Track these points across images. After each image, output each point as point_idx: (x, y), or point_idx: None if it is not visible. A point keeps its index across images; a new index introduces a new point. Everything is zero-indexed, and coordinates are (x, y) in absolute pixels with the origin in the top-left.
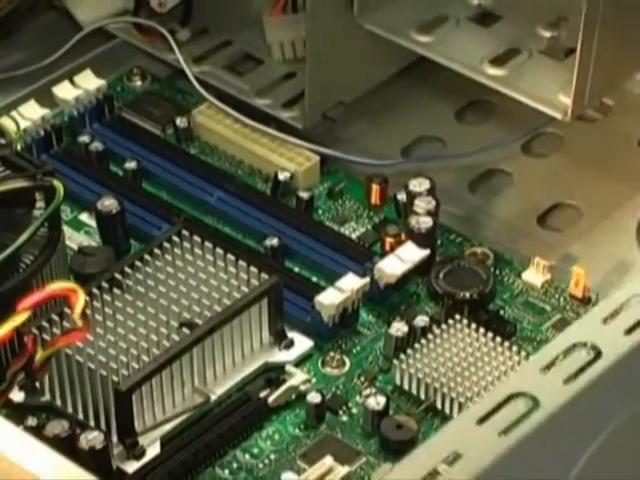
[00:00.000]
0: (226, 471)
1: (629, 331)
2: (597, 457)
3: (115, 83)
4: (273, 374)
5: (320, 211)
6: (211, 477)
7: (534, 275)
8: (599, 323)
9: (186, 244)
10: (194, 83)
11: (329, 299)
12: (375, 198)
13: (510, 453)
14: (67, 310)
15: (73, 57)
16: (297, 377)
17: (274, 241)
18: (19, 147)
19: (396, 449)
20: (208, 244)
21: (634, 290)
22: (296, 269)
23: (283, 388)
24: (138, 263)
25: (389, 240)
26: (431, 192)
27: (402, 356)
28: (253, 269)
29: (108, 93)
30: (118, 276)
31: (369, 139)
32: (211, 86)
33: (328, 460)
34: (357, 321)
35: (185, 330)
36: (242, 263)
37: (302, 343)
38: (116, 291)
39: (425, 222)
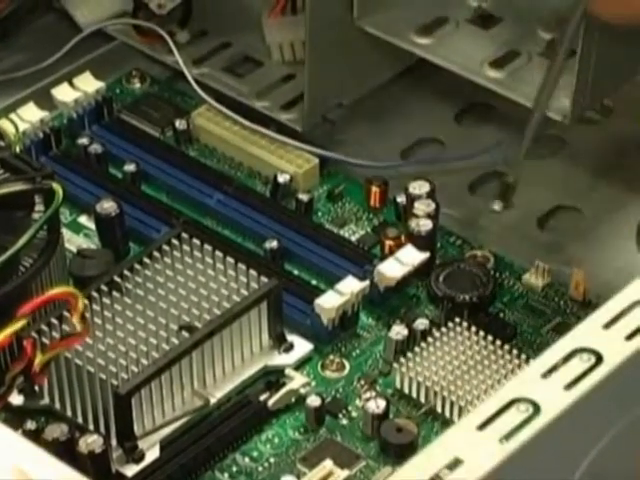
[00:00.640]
0: (226, 475)
1: (630, 336)
2: (598, 463)
3: (114, 85)
4: (273, 377)
5: (319, 213)
6: None
7: (534, 278)
8: (600, 328)
9: (185, 247)
10: (193, 85)
11: (329, 302)
12: (375, 200)
13: (511, 459)
14: (66, 314)
15: (72, 59)
16: (297, 380)
17: (273, 244)
18: (18, 149)
19: (396, 453)
20: (207, 247)
21: (635, 295)
22: (295, 272)
23: (283, 391)
24: (137, 266)
25: (389, 243)
26: (431, 195)
27: (402, 359)
28: (252, 272)
29: (107, 95)
30: (117, 279)
31: (369, 141)
32: (210, 88)
33: (328, 464)
34: (357, 324)
35: (184, 333)
36: (241, 266)
37: (302, 346)
38: (115, 294)
39: (425, 225)
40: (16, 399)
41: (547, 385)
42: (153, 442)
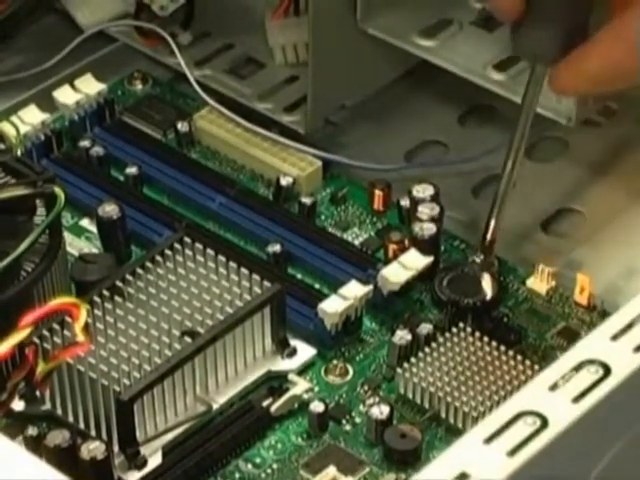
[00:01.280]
0: None
1: (639, 348)
2: (606, 476)
3: (116, 87)
4: (276, 383)
5: (322, 217)
6: None
7: (538, 282)
8: (608, 340)
9: (188, 251)
10: (195, 87)
11: (332, 307)
12: (378, 204)
13: (518, 473)
14: (68, 319)
15: (73, 60)
16: (300, 386)
17: (276, 247)
18: (19, 152)
19: (400, 459)
20: (210, 251)
21: None
22: (299, 276)
23: (286, 397)
24: (139, 270)
25: (392, 247)
26: (435, 198)
27: (406, 365)
28: (255, 277)
29: (109, 97)
30: (119, 284)
31: (372, 143)
32: (212, 90)
33: (331, 470)
34: (360, 329)
35: (187, 339)
36: (244, 271)
37: (305, 351)
38: (117, 299)
39: (429, 229)
40: (17, 405)
41: (554, 398)
42: (155, 448)
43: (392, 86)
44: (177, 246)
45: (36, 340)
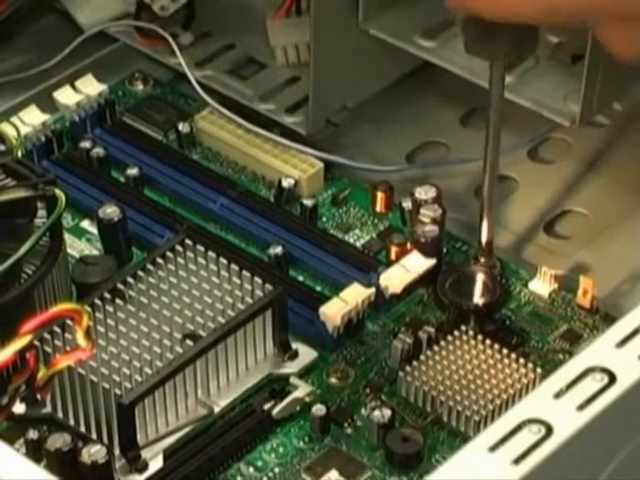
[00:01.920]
0: None
1: None
2: None
3: (116, 87)
4: (277, 386)
5: (324, 218)
6: None
7: (541, 285)
8: (613, 347)
9: (189, 254)
10: (196, 88)
11: (334, 310)
12: (380, 206)
13: None
14: (69, 322)
15: (74, 61)
16: (302, 389)
17: (278, 250)
18: (20, 153)
19: (402, 463)
20: (211, 254)
21: None
22: (300, 278)
23: (287, 400)
24: (141, 273)
25: (394, 249)
26: (437, 200)
27: (408, 368)
28: (257, 280)
29: (109, 98)
30: (120, 286)
31: (373, 145)
32: (214, 90)
33: (333, 474)
34: (362, 332)
35: (188, 342)
36: (246, 273)
37: (306, 354)
38: (118, 302)
39: (431, 231)
40: (18, 408)
41: (559, 405)
42: (156, 452)
43: (394, 87)
44: (178, 248)
45: (37, 343)
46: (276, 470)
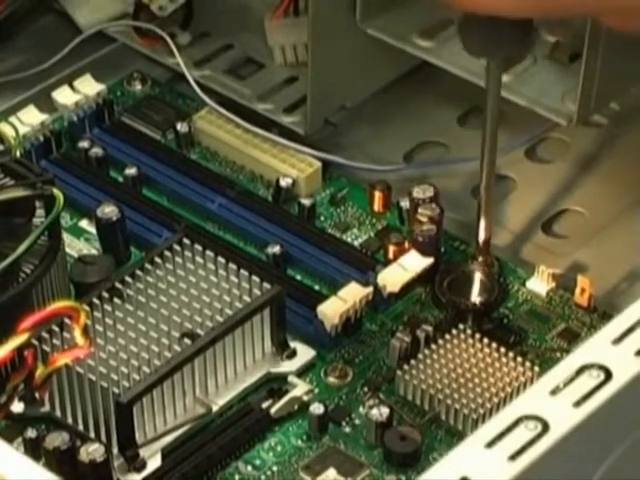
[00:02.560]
0: None
1: None
2: None
3: (115, 87)
4: (275, 384)
5: (322, 218)
6: None
7: (539, 283)
8: (609, 344)
9: (187, 253)
10: (195, 87)
11: (332, 309)
12: (378, 205)
13: (519, 478)
14: (67, 321)
15: (72, 61)
16: (300, 387)
17: (276, 249)
18: (18, 153)
19: (400, 461)
20: (210, 253)
21: None
22: (298, 277)
23: (285, 399)
24: (139, 272)
25: (392, 248)
26: (435, 199)
27: (405, 366)
28: (255, 278)
29: (108, 98)
30: (119, 285)
31: (371, 144)
32: (212, 90)
33: (331, 472)
34: (360, 330)
35: (186, 341)
36: (244, 272)
37: (305, 353)
38: (116, 301)
39: (429, 230)
40: (16, 406)
41: (556, 402)
42: (155, 450)
43: (392, 87)
44: (176, 247)
45: (35, 342)
46: (274, 469)
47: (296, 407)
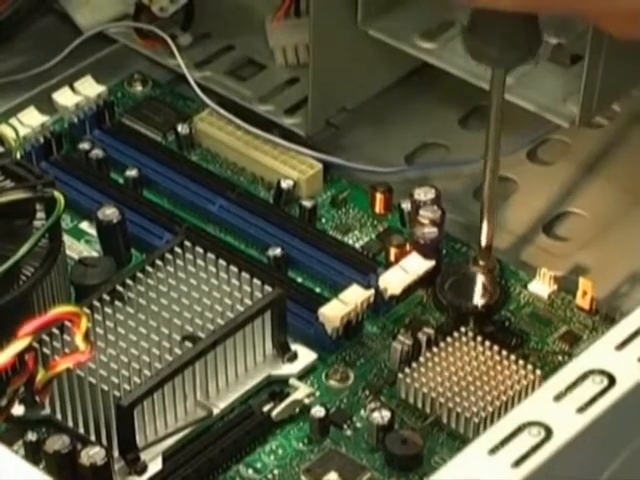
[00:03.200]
0: None
1: None
2: None
3: (115, 88)
4: (276, 387)
5: (323, 220)
6: None
7: (540, 286)
8: (613, 349)
9: (188, 255)
10: (195, 89)
11: (333, 311)
12: (379, 207)
13: None
14: (68, 323)
15: (73, 62)
16: (301, 390)
17: (277, 251)
18: (18, 155)
19: (401, 464)
20: (211, 255)
21: None
22: (299, 279)
23: (287, 402)
24: (140, 275)
25: (394, 250)
26: (436, 201)
27: (407, 370)
28: (256, 281)
29: (108, 99)
30: (119, 288)
31: (373, 146)
32: (213, 92)
33: (332, 476)
34: (361, 333)
35: (188, 344)
36: (245, 275)
37: (306, 356)
38: (117, 303)
39: (430, 232)
40: (17, 409)
41: (559, 408)
42: (156, 454)
43: (393, 88)
44: (177, 250)
45: (35, 345)
46: (275, 472)
47: (297, 410)
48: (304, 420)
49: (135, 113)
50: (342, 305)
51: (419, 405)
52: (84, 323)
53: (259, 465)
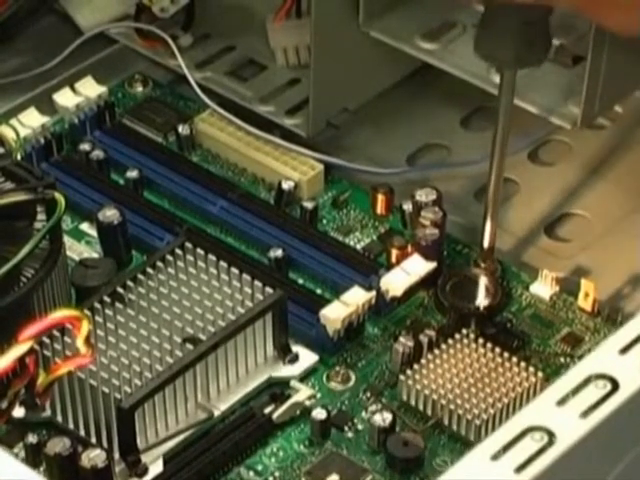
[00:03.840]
0: None
1: None
2: None
3: (116, 89)
4: (277, 389)
5: (324, 221)
6: None
7: (542, 287)
8: (616, 353)
9: (189, 257)
10: (196, 89)
11: (334, 313)
12: (380, 208)
13: None
14: (69, 325)
15: (73, 62)
16: (302, 392)
17: (278, 252)
18: (19, 156)
19: (403, 466)
20: (212, 257)
21: None
22: (300, 281)
23: (288, 404)
24: (141, 276)
25: (395, 252)
26: (437, 203)
27: (408, 371)
28: (257, 283)
29: (109, 100)
30: (120, 290)
31: (374, 147)
32: (213, 92)
33: (334, 478)
34: (363, 335)
35: (188, 346)
36: (246, 277)
37: (307, 357)
38: (118, 305)
39: (432, 234)
40: (17, 411)
41: (562, 413)
42: (156, 456)
43: (394, 89)
44: (178, 252)
45: (36, 347)
46: (276, 474)
47: (298, 412)
48: (305, 422)
49: (136, 114)
50: (343, 307)
51: (420, 407)
52: (85, 327)
53: (260, 467)
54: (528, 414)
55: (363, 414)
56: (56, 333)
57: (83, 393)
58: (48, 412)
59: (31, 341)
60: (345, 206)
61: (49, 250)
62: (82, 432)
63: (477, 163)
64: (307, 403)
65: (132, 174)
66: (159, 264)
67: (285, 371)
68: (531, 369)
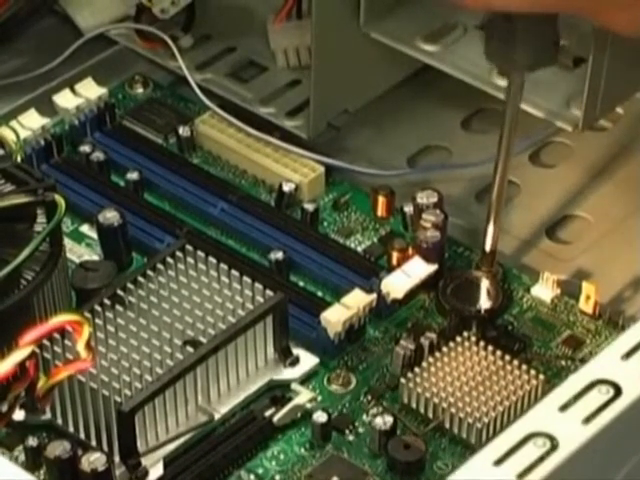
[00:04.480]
0: None
1: None
2: None
3: (116, 90)
4: (278, 392)
5: (325, 223)
6: None
7: (543, 290)
8: (618, 359)
9: (190, 259)
10: (197, 91)
11: (335, 316)
12: (381, 210)
13: None
14: (69, 327)
15: (73, 64)
16: (303, 395)
17: (279, 255)
18: (19, 157)
19: (404, 470)
20: (212, 259)
21: None
22: (301, 283)
23: (288, 407)
24: (141, 279)
25: (396, 254)
26: (439, 205)
27: (409, 374)
28: (258, 285)
29: (109, 101)
30: (120, 292)
31: (374, 148)
32: (214, 94)
33: None
34: (364, 337)
35: (189, 348)
36: (247, 279)
37: (308, 360)
38: (118, 308)
39: (433, 236)
40: (17, 414)
41: (565, 419)
42: (157, 459)
43: (395, 91)
44: (179, 254)
45: (36, 350)
46: (277, 477)
47: (299, 415)
48: (306, 425)
49: (136, 115)
50: (344, 309)
51: (421, 410)
52: (86, 331)
53: (261, 470)
54: (530, 420)
55: (364, 417)
56: (56, 336)
57: (83, 396)
58: (48, 415)
59: (31, 346)
60: (346, 208)
61: (49, 252)
62: (82, 435)
63: (478, 165)
64: (308, 406)
65: (132, 176)
66: (159, 266)
67: (286, 374)
68: (532, 372)
